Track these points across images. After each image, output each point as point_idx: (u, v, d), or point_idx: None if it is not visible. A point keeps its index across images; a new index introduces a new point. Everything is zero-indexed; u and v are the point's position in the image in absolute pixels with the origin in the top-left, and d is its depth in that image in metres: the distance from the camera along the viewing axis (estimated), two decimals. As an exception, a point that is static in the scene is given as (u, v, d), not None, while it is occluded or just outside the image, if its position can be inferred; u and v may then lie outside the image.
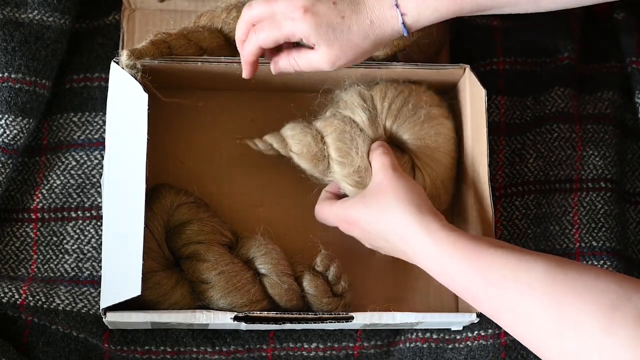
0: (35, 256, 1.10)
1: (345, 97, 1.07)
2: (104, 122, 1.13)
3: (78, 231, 1.11)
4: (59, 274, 1.10)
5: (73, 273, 1.10)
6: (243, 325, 1.03)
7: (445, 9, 0.93)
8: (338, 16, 0.94)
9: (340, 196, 1.06)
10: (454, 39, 1.19)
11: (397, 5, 0.93)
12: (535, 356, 1.09)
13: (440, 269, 0.93)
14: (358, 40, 0.95)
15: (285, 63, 0.99)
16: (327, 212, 1.05)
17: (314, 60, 0.96)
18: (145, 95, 0.98)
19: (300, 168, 1.06)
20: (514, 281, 0.86)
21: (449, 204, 1.11)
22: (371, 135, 1.05)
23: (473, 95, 1.08)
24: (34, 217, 1.11)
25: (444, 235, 0.93)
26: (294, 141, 1.05)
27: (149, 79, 1.00)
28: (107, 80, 1.05)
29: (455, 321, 1.05)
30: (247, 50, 0.98)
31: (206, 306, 1.01)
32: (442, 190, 1.08)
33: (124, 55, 0.99)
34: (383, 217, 0.98)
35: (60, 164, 1.12)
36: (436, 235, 0.94)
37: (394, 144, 1.07)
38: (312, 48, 0.96)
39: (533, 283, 0.84)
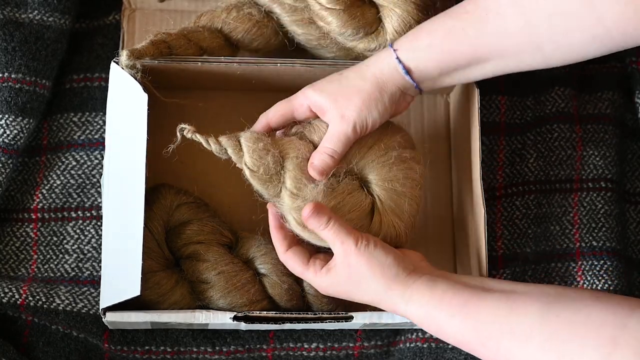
0: (35, 256, 1.10)
1: (316, 119, 1.01)
2: (104, 122, 1.13)
3: (78, 231, 1.11)
4: (59, 274, 1.10)
5: (73, 273, 1.10)
6: (243, 325, 1.03)
7: (439, 43, 0.95)
8: (337, 74, 1.00)
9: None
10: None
11: (390, 44, 0.98)
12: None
13: (434, 328, 0.92)
14: (358, 83, 0.97)
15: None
16: (296, 272, 0.99)
17: (328, 122, 0.99)
18: (145, 95, 0.98)
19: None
20: (510, 333, 0.85)
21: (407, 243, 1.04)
22: (334, 170, 0.98)
23: (466, 94, 1.08)
24: (34, 217, 1.11)
25: (426, 297, 0.91)
26: (251, 156, 0.96)
27: (149, 79, 1.00)
28: (107, 80, 1.05)
29: (455, 321, 1.05)
30: (256, 126, 1.01)
31: (206, 306, 1.01)
32: (401, 238, 1.01)
33: (123, 55, 0.99)
34: (362, 295, 0.95)
35: (60, 164, 1.12)
36: (420, 301, 0.92)
37: (360, 182, 1.01)
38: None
39: (529, 332, 0.84)
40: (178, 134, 0.95)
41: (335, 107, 0.97)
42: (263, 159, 0.96)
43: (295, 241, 0.99)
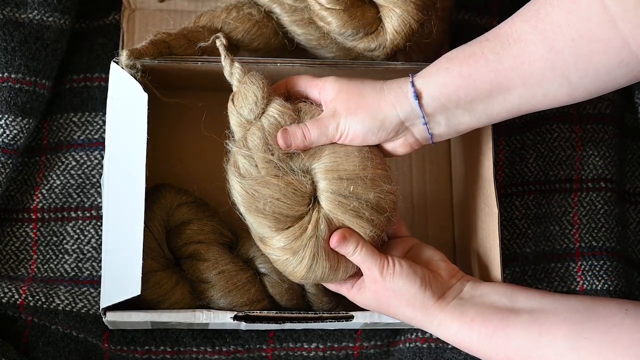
0: (35, 256, 1.10)
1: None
2: (104, 122, 1.13)
3: (78, 231, 1.11)
4: (58, 274, 1.10)
5: (73, 273, 1.10)
6: (243, 325, 1.03)
7: (457, 67, 0.91)
8: (361, 79, 0.98)
9: None
10: (454, 39, 1.19)
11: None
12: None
13: (467, 350, 0.94)
14: (367, 91, 0.95)
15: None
16: (332, 288, 1.00)
17: (323, 109, 0.97)
18: (145, 95, 0.98)
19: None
20: (540, 358, 0.86)
21: None
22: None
23: None
24: (33, 217, 1.11)
25: (456, 326, 0.93)
26: (240, 90, 0.98)
27: (149, 79, 1.00)
28: (107, 80, 1.05)
29: (455, 321, 1.05)
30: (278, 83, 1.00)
31: (206, 306, 1.01)
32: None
33: (124, 55, 0.99)
34: (395, 316, 0.97)
35: (60, 164, 1.12)
36: (450, 329, 0.93)
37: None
38: None
39: (559, 357, 0.85)
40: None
41: (335, 100, 0.96)
42: (250, 98, 0.97)
43: None
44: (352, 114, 0.94)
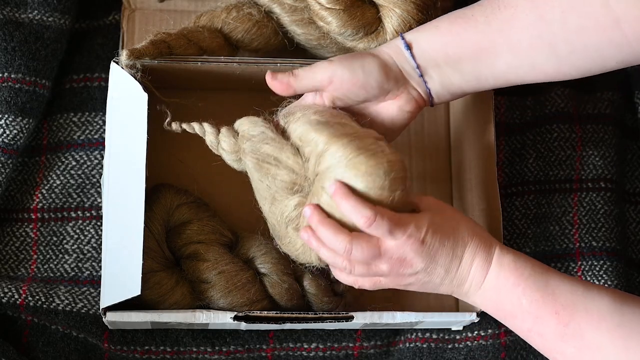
0: (35, 256, 1.10)
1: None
2: (104, 122, 1.13)
3: (78, 231, 1.11)
4: (58, 274, 1.10)
5: (73, 273, 1.10)
6: (243, 325, 1.03)
7: (446, 26, 0.92)
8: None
9: None
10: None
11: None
12: (535, 357, 1.09)
13: (506, 289, 0.90)
14: (360, 51, 0.95)
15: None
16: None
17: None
18: (145, 95, 0.98)
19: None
20: (584, 311, 0.86)
21: None
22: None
23: (479, 93, 1.08)
24: (33, 217, 1.11)
25: (513, 257, 0.90)
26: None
27: (149, 79, 1.00)
28: (106, 80, 1.05)
29: (456, 320, 1.05)
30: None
31: (206, 306, 1.01)
32: None
33: (124, 55, 0.99)
34: (457, 227, 0.91)
35: (60, 164, 1.12)
36: (509, 262, 0.90)
37: None
38: None
39: (603, 315, 0.85)
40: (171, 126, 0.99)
41: (331, 60, 0.95)
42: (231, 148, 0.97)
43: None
44: (348, 60, 0.94)
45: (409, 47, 0.94)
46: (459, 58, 0.92)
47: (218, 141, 0.99)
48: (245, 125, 0.97)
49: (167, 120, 0.99)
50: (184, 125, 0.99)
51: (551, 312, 0.87)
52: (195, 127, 0.99)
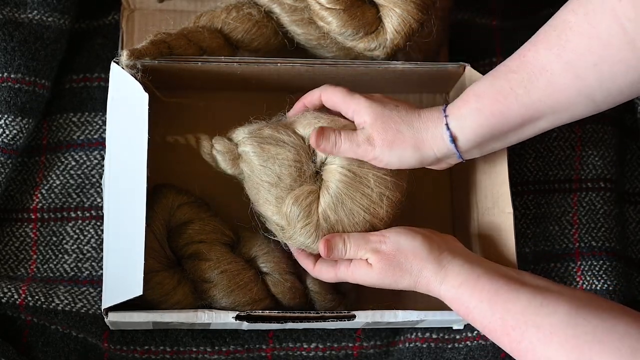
0: (35, 256, 1.10)
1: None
2: (104, 122, 1.13)
3: (77, 231, 1.11)
4: (58, 274, 1.10)
5: (72, 273, 1.10)
6: (245, 325, 1.03)
7: (488, 106, 0.93)
8: (391, 101, 0.99)
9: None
10: (454, 39, 1.19)
11: (444, 108, 0.96)
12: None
13: (462, 311, 0.94)
14: (402, 127, 0.96)
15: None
16: (330, 277, 1.01)
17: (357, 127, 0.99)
18: (146, 95, 0.98)
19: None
20: (535, 327, 0.86)
21: None
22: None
23: None
24: (33, 217, 1.11)
25: (460, 280, 0.94)
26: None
27: (149, 79, 1.00)
28: (106, 80, 1.05)
29: (457, 319, 1.05)
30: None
31: (208, 305, 1.01)
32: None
33: (124, 55, 0.98)
34: (402, 272, 0.97)
35: (59, 164, 1.12)
36: (454, 282, 0.94)
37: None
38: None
39: (555, 329, 0.85)
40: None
41: (372, 127, 0.97)
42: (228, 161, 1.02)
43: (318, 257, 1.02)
44: (388, 147, 0.96)
45: (454, 139, 0.95)
46: (504, 133, 0.95)
47: (211, 144, 1.02)
48: (239, 130, 1.02)
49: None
50: (177, 138, 1.04)
51: (502, 334, 0.89)
52: (187, 138, 1.04)
